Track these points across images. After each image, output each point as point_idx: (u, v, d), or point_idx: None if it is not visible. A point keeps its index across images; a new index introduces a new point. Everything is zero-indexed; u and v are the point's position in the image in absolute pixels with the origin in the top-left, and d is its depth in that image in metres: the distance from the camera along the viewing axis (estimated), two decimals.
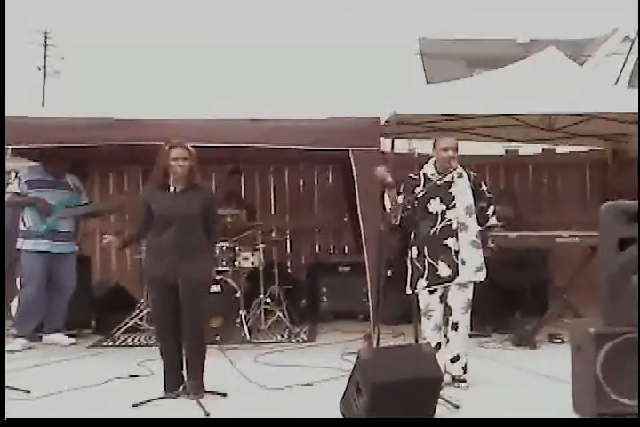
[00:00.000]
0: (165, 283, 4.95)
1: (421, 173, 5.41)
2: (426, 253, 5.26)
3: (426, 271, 5.26)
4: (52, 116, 6.80)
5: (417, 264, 5.30)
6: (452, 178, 5.30)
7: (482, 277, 5.31)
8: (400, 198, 5.32)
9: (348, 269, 8.30)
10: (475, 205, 5.35)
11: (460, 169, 5.33)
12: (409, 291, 5.34)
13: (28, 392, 5.12)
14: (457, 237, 5.24)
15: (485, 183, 5.55)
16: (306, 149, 6.85)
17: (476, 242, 5.30)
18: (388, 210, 5.38)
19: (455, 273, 5.22)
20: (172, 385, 5.01)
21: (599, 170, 9.68)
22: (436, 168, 5.37)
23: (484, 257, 5.39)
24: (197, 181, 5.09)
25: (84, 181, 7.93)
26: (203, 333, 5.18)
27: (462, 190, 5.31)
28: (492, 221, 5.56)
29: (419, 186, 5.31)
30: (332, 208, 9.78)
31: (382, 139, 6.79)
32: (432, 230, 5.25)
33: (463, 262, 5.23)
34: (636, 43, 18.86)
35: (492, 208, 5.54)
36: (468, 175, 5.40)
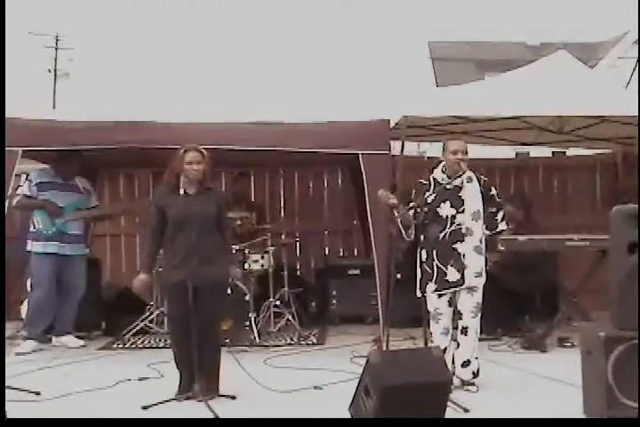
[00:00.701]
0: (184, 287, 4.89)
1: (431, 178, 5.39)
2: (435, 257, 5.25)
3: (435, 275, 5.25)
4: (62, 118, 6.81)
5: (426, 268, 5.29)
6: (462, 182, 5.28)
7: (480, 282, 5.27)
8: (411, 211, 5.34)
9: (357, 272, 8.27)
10: (484, 210, 5.33)
11: (469, 173, 5.31)
12: (419, 294, 5.34)
13: (38, 394, 5.14)
14: (465, 242, 5.23)
15: (495, 187, 5.52)
16: (315, 152, 6.85)
17: (479, 247, 5.28)
18: (403, 231, 5.37)
19: (464, 278, 5.21)
20: (186, 387, 5.02)
21: (610, 173, 9.65)
22: (445, 172, 5.35)
23: (487, 261, 5.38)
24: (209, 185, 5.15)
25: (93, 183, 7.96)
26: (219, 336, 5.18)
27: (472, 195, 5.29)
28: (502, 226, 5.52)
29: (429, 191, 5.29)
30: (341, 211, 9.77)
31: (392, 142, 6.78)
32: (441, 235, 5.24)
33: (466, 267, 5.22)
34: None
35: (501, 213, 5.51)
36: (478, 179, 5.37)
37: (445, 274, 5.22)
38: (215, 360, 5.10)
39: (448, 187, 5.25)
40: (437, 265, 5.24)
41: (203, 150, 5.09)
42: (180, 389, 5.06)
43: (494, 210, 5.44)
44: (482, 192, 5.33)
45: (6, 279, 7.16)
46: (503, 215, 5.52)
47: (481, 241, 5.28)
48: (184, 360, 5.07)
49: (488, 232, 5.40)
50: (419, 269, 5.35)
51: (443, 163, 5.40)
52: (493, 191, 5.44)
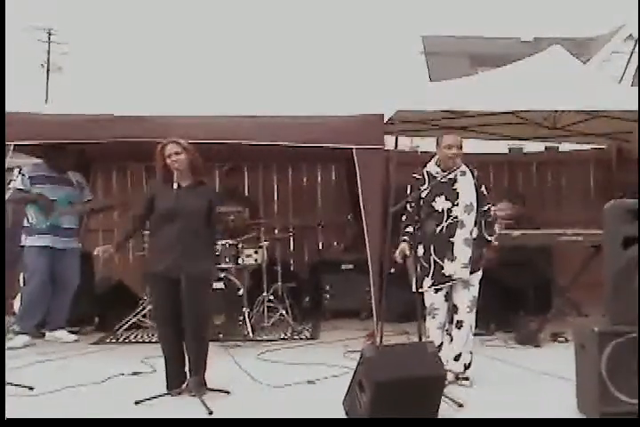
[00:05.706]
0: (167, 279, 4.92)
1: (425, 172, 5.38)
2: (432, 252, 5.23)
3: (431, 270, 5.23)
4: (55, 112, 6.78)
5: (423, 263, 5.26)
6: (456, 175, 5.27)
7: (466, 274, 5.25)
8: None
9: (350, 266, 8.28)
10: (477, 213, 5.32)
11: (463, 167, 5.31)
12: (415, 289, 5.31)
13: (32, 389, 5.13)
14: (457, 235, 5.22)
15: (486, 186, 5.46)
16: (309, 147, 6.83)
17: (468, 239, 5.25)
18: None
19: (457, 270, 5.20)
20: (175, 382, 5.00)
21: (603, 168, 9.67)
22: (439, 166, 5.34)
23: (483, 257, 5.37)
24: (203, 178, 5.13)
25: (87, 177, 7.93)
26: (205, 330, 5.14)
27: (466, 188, 5.28)
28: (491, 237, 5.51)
29: (423, 185, 5.27)
30: (335, 206, 9.76)
31: (385, 137, 6.77)
32: (438, 229, 5.22)
33: (455, 259, 5.22)
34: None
35: (492, 211, 5.46)
36: (472, 173, 5.37)
37: (442, 268, 5.20)
38: (201, 355, 5.05)
39: (442, 180, 5.23)
40: (434, 259, 5.22)
41: (180, 141, 5.06)
42: (169, 384, 5.04)
43: (489, 218, 5.42)
44: (475, 185, 5.32)
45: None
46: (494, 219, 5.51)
47: (471, 233, 5.27)
48: (168, 354, 5.07)
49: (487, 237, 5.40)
50: (417, 265, 5.31)
51: (436, 157, 5.39)
52: (483, 189, 5.41)
